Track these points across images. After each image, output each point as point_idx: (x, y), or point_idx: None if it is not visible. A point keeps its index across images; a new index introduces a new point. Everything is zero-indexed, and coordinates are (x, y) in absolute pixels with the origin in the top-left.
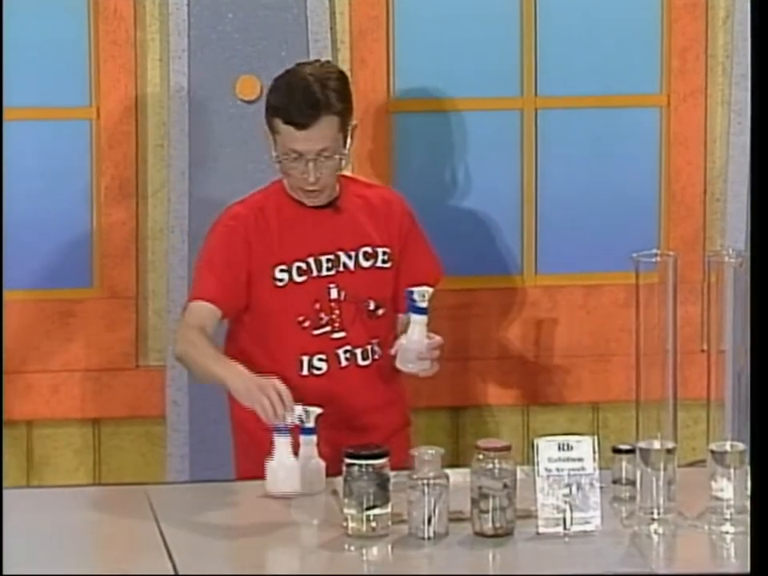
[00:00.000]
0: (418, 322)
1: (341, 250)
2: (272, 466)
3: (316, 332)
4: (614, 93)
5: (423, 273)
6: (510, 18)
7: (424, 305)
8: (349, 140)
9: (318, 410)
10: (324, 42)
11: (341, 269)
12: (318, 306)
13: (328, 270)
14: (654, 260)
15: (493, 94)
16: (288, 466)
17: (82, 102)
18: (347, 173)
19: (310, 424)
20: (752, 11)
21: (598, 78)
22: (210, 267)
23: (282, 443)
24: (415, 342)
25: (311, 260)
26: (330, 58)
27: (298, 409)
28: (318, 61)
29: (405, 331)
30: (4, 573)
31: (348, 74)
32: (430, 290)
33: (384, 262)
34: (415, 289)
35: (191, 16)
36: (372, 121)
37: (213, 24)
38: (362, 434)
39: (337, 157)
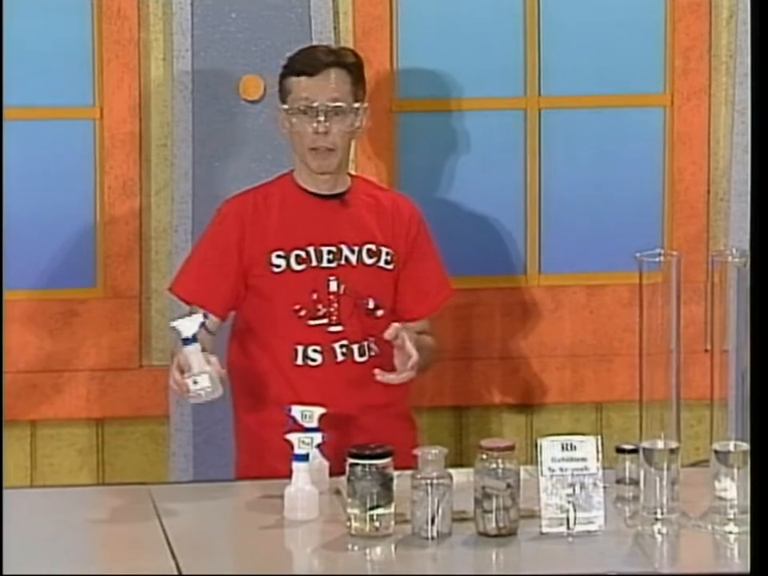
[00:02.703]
0: (190, 352)
1: (344, 243)
2: (290, 492)
3: (312, 322)
4: (617, 92)
5: (417, 300)
6: (514, 18)
7: (188, 334)
8: (361, 113)
9: (321, 410)
10: (327, 41)
11: (342, 262)
12: (315, 296)
13: (329, 261)
14: (657, 260)
15: (496, 93)
16: (306, 492)
17: (85, 102)
18: (353, 172)
19: (313, 424)
20: (752, 11)
21: (602, 77)
22: (201, 264)
23: (301, 469)
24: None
25: (311, 249)
26: None
27: (299, 409)
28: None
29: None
30: (5, 573)
31: None
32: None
33: (387, 262)
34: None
35: (195, 16)
36: (375, 120)
37: (216, 24)
38: (359, 433)
39: (349, 119)
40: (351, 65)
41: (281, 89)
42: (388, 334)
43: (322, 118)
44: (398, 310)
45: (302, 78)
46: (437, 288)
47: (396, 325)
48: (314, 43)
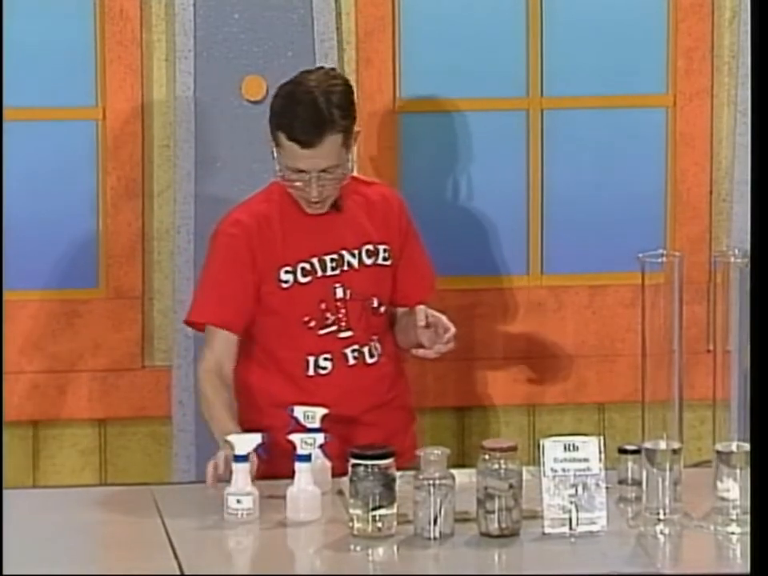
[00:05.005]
0: (238, 470)
1: (344, 249)
2: (292, 492)
3: (321, 332)
4: (619, 93)
5: (418, 287)
6: (516, 19)
7: (242, 452)
8: (353, 149)
9: (324, 411)
10: (330, 42)
11: (345, 268)
12: (323, 305)
13: (333, 269)
14: (659, 260)
15: (498, 94)
16: (309, 493)
17: (88, 103)
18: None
19: (316, 424)
20: (752, 11)
21: (604, 78)
22: (218, 286)
23: (303, 470)
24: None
25: (315, 260)
26: (335, 59)
27: (302, 409)
28: (322, 68)
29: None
30: (6, 573)
31: (354, 74)
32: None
33: (384, 259)
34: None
35: (197, 17)
36: (378, 121)
37: (219, 24)
38: (366, 432)
39: (340, 171)
40: (342, 125)
41: (271, 131)
42: (419, 319)
43: (314, 184)
44: (399, 299)
45: (294, 146)
46: (430, 271)
47: (420, 307)
48: (302, 71)
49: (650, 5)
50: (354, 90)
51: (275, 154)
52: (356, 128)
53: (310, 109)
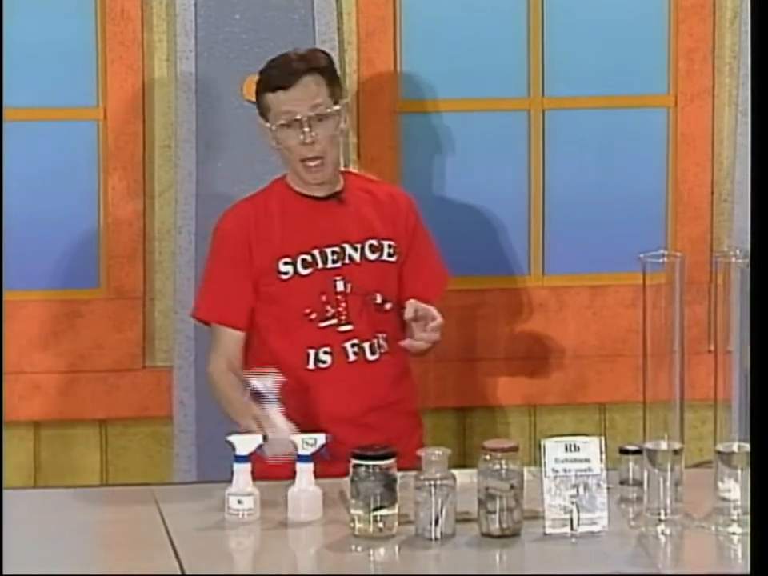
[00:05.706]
0: (239, 470)
1: (346, 242)
2: (293, 493)
3: (322, 324)
4: (621, 93)
5: (425, 286)
6: (517, 19)
7: (243, 452)
8: (343, 112)
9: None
10: (331, 42)
11: (346, 261)
12: (324, 298)
13: (334, 262)
14: (661, 260)
15: (500, 94)
16: (310, 493)
17: (89, 103)
18: (353, 170)
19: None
20: (752, 11)
21: (605, 78)
22: (220, 283)
23: (304, 470)
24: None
25: (316, 252)
26: (336, 59)
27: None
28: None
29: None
30: (6, 573)
31: (355, 74)
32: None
33: (390, 255)
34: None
35: (198, 17)
36: (379, 121)
37: (220, 25)
38: (368, 434)
39: (331, 122)
40: (324, 68)
41: (259, 106)
42: (408, 312)
43: (307, 129)
44: (407, 298)
45: (279, 93)
46: (440, 272)
47: (411, 301)
48: (285, 51)
49: (651, 5)
50: (337, 65)
51: (270, 133)
52: (345, 99)
53: (288, 58)
